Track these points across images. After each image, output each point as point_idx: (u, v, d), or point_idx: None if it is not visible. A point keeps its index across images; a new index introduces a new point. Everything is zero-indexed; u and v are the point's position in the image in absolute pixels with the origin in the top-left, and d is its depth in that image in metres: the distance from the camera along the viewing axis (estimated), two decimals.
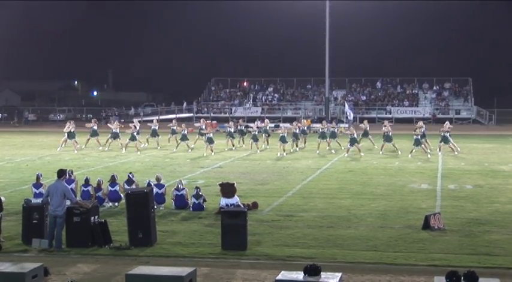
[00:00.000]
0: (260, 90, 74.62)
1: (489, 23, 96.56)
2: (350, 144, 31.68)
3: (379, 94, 70.95)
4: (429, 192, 20.92)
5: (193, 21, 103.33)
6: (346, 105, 61.77)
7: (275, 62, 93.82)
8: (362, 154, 31.41)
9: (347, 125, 45.20)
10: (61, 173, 14.30)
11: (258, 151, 33.40)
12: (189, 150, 33.73)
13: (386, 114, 65.26)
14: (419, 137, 31.41)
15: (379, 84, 72.97)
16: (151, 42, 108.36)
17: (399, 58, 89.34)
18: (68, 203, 14.24)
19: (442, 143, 32.13)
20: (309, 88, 73.93)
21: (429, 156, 30.57)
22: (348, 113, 57.05)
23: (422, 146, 31.50)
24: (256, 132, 35.22)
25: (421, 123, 33.48)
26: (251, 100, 71.86)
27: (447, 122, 33.66)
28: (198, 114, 65.95)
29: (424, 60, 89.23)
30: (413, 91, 70.68)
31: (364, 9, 72.65)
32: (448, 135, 32.01)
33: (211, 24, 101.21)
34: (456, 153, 31.77)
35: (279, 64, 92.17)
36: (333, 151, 32.99)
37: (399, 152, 31.94)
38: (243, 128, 37.56)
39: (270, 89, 74.13)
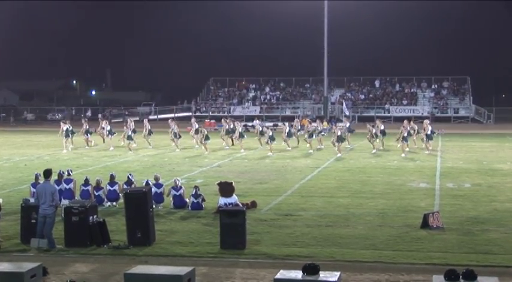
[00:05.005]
0: (258, 89, 74.58)
1: (487, 22, 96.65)
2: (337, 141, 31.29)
3: (378, 93, 70.92)
4: (428, 191, 20.93)
5: (192, 21, 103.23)
6: (344, 103, 61.79)
7: (274, 62, 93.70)
8: (340, 154, 30.92)
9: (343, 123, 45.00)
10: (48, 173, 14.20)
11: (242, 150, 32.88)
12: (177, 149, 33.53)
13: (384, 113, 65.25)
14: (405, 134, 31.38)
15: (377, 83, 72.93)
16: (149, 42, 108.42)
17: (397, 57, 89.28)
18: (65, 202, 14.22)
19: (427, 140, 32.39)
20: (307, 87, 73.89)
21: (403, 155, 30.53)
22: (344, 111, 57.12)
23: (404, 144, 31.42)
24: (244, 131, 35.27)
25: (405, 122, 33.37)
26: (250, 99, 71.83)
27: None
28: (197, 113, 65.89)
29: (423, 59, 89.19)
30: (412, 90, 70.64)
31: (362, 9, 72.66)
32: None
33: (209, 24, 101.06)
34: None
35: (277, 63, 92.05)
36: (310, 151, 32.73)
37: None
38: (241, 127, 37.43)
39: (269, 89, 74.08)
